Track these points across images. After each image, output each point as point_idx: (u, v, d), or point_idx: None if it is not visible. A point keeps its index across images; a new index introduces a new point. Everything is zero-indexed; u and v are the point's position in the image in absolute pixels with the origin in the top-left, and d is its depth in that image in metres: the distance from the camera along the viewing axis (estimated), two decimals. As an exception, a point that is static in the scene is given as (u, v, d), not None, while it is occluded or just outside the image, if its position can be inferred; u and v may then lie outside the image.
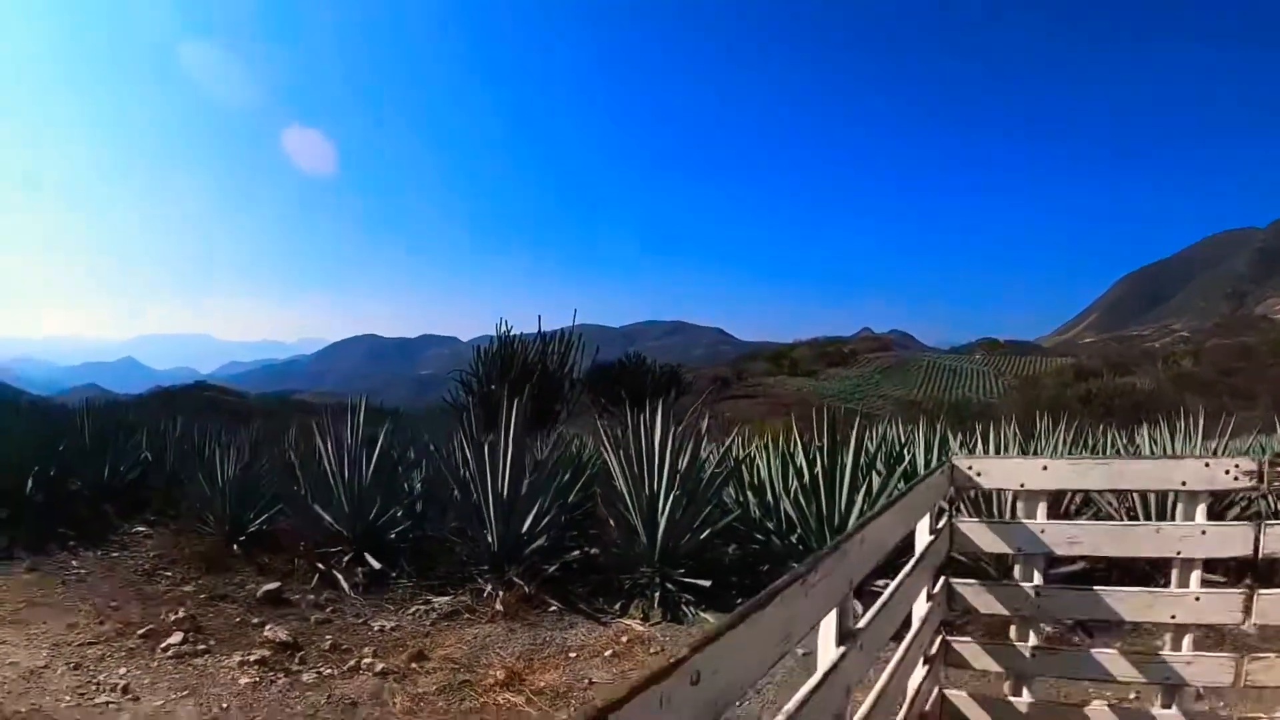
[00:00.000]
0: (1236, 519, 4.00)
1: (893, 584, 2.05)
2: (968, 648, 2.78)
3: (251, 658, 3.63)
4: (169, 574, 5.21)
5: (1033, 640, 2.71)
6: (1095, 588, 2.77)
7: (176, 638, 3.90)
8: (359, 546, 5.40)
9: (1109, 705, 2.78)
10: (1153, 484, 2.98)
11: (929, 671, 2.57)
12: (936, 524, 2.60)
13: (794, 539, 4.90)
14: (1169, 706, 2.60)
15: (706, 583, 4.51)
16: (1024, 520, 2.71)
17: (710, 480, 5.00)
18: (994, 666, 2.76)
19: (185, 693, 3.29)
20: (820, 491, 4.78)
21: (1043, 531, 2.67)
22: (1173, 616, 2.57)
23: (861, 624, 1.72)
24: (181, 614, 4.19)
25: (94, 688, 3.36)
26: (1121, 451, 6.45)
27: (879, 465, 5.34)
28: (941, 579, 2.72)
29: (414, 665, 3.54)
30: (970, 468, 2.77)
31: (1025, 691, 2.74)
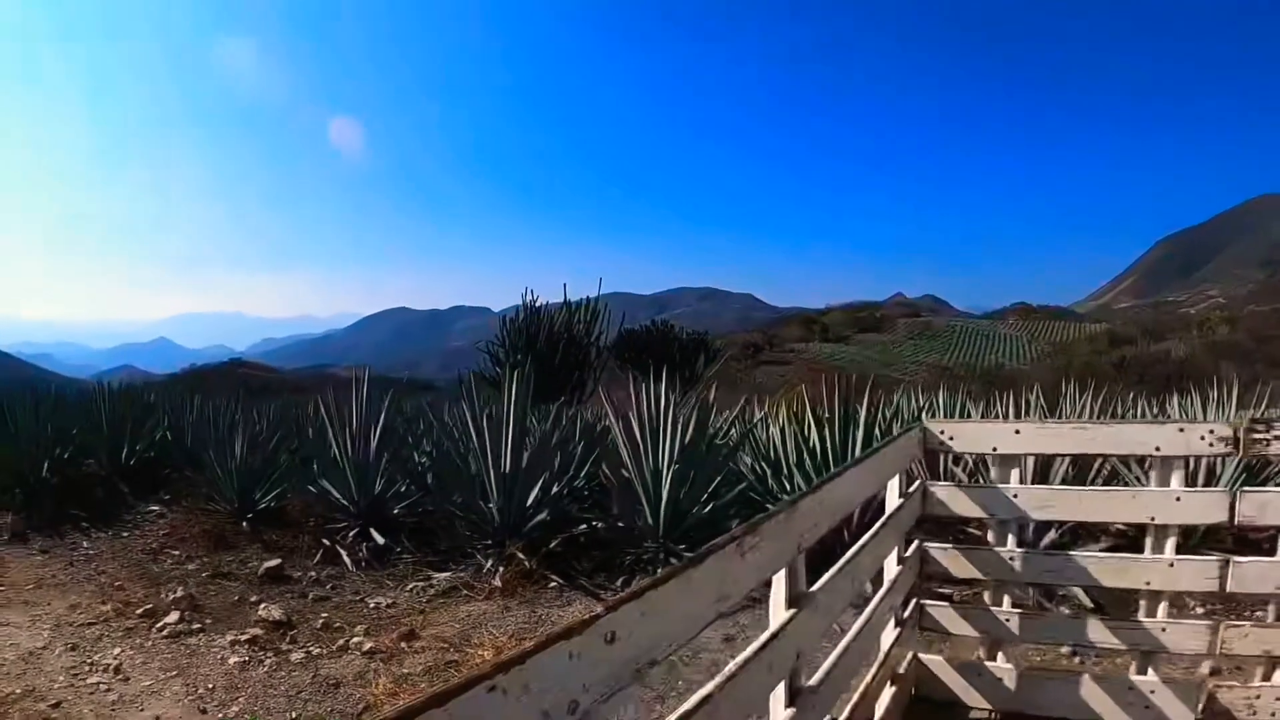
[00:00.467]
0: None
1: (854, 547, 2.05)
2: (942, 611, 2.83)
3: (243, 637, 3.69)
4: (175, 552, 5.33)
5: (1008, 604, 2.76)
6: (1069, 552, 2.80)
7: (173, 617, 3.99)
8: (364, 522, 5.47)
9: (1085, 671, 2.82)
10: (1127, 449, 2.97)
11: (900, 634, 2.60)
12: (907, 487, 2.63)
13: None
14: (1144, 672, 2.63)
15: (712, 558, 4.46)
16: (997, 484, 2.73)
17: (717, 451, 4.91)
18: (969, 631, 2.80)
19: (174, 673, 3.35)
20: (832, 462, 4.68)
21: (1015, 496, 2.70)
22: (1147, 583, 2.59)
23: (816, 587, 1.72)
24: (180, 593, 4.28)
25: (87, 668, 3.45)
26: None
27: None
28: (915, 542, 2.77)
29: (403, 645, 3.56)
30: (942, 431, 2.80)
31: (1000, 656, 2.78)
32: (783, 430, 5.52)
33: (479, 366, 16.30)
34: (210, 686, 3.21)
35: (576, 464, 5.58)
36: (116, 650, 3.63)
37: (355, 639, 3.64)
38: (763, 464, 5.38)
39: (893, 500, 2.56)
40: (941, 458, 4.82)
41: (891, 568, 2.51)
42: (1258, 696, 2.55)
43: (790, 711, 1.57)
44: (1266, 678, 2.57)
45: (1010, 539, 2.75)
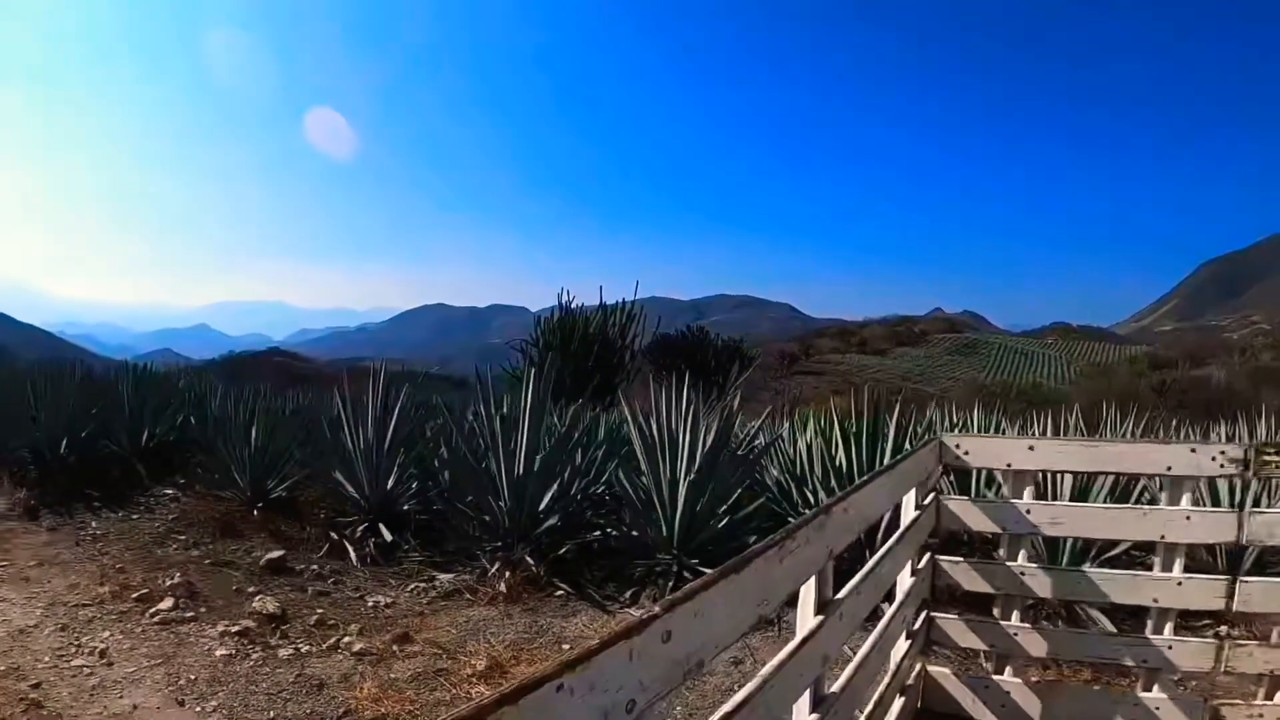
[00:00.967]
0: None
1: (875, 556, 2.10)
2: (952, 624, 2.89)
3: (234, 629, 3.64)
4: (182, 537, 5.35)
5: (1016, 619, 2.82)
6: (1079, 568, 2.96)
7: (167, 603, 3.97)
8: (374, 517, 5.44)
9: (1091, 685, 2.93)
10: (1139, 468, 3.03)
11: (911, 646, 2.65)
12: (923, 500, 2.69)
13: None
14: (1150, 689, 2.70)
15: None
16: (1011, 499, 2.81)
17: (738, 462, 4.76)
18: (978, 644, 2.87)
19: (159, 661, 3.31)
20: (856, 477, 4.48)
21: (1028, 511, 2.78)
22: (1155, 600, 2.67)
23: (842, 594, 1.77)
24: (178, 579, 4.27)
25: (74, 650, 3.43)
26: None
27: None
28: (927, 555, 2.83)
29: (395, 647, 3.47)
30: (958, 446, 2.88)
31: (1008, 670, 2.85)
32: (809, 443, 5.36)
33: (513, 365, 16.38)
34: (192, 678, 3.16)
35: (596, 468, 5.47)
36: (106, 634, 3.62)
37: (347, 638, 3.57)
38: (787, 477, 5.22)
39: (909, 512, 2.60)
40: (974, 474, 4.77)
41: (905, 580, 2.55)
42: (1260, 715, 2.61)
43: (814, 717, 1.61)
44: (1270, 696, 2.63)
45: (1022, 554, 2.82)
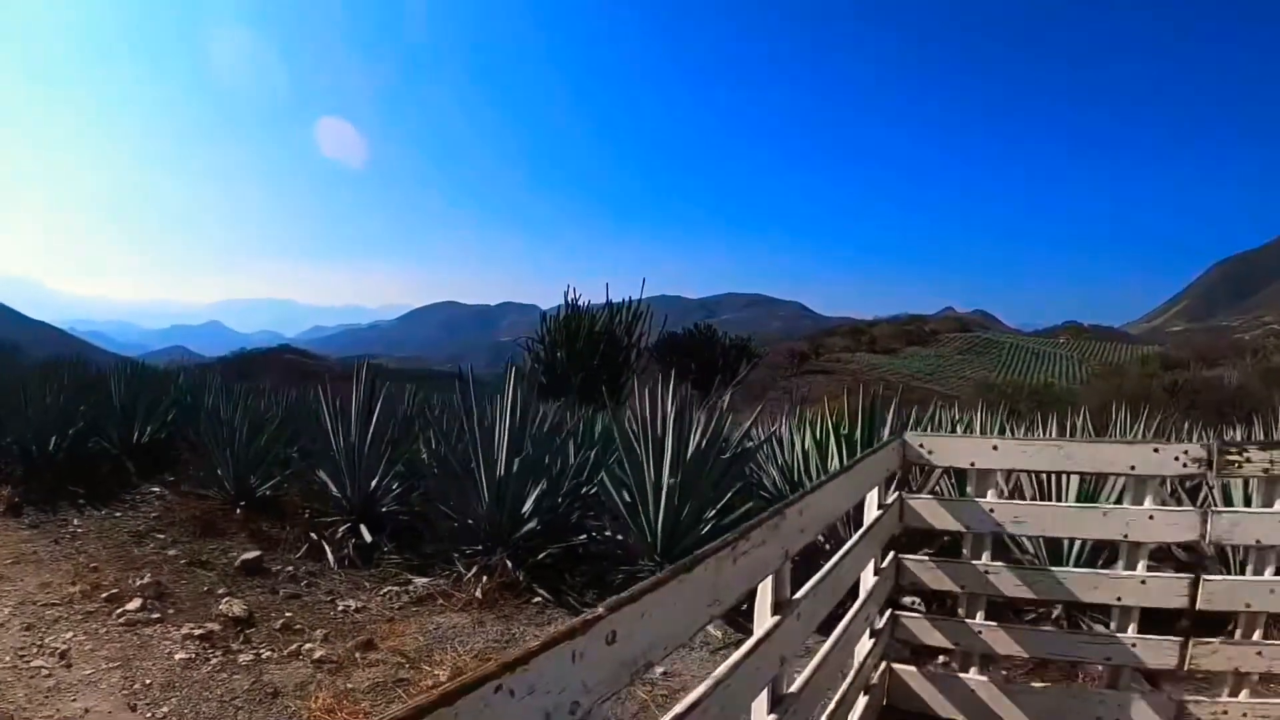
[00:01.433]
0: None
1: (836, 555, 2.14)
2: (917, 622, 2.95)
3: (197, 632, 3.63)
4: (161, 536, 5.37)
5: (980, 617, 2.88)
6: (1044, 567, 3.02)
7: (135, 604, 3.96)
8: (356, 518, 5.43)
9: (1056, 684, 2.95)
10: (1103, 467, 3.06)
11: (875, 645, 2.70)
12: (885, 499, 2.76)
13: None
14: (1114, 686, 2.77)
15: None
16: (974, 498, 2.86)
17: (727, 464, 4.69)
18: (943, 642, 2.93)
19: (117, 664, 3.31)
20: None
21: (992, 510, 2.83)
22: (1119, 599, 2.72)
23: (799, 594, 1.80)
24: (147, 579, 4.27)
25: (35, 650, 3.43)
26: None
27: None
28: (891, 553, 2.88)
29: (357, 655, 3.44)
30: (921, 445, 2.93)
31: (973, 668, 2.91)
32: (804, 444, 5.31)
33: (520, 362, 16.40)
34: (148, 682, 3.15)
35: (590, 469, 5.42)
36: (69, 635, 3.62)
37: (309, 645, 3.54)
38: (783, 479, 5.17)
39: (871, 511, 2.65)
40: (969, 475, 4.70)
41: (868, 578, 2.59)
42: (1225, 712, 2.67)
43: (772, 717, 1.63)
44: (1234, 693, 2.69)
45: (985, 552, 2.87)
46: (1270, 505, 2.68)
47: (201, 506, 5.93)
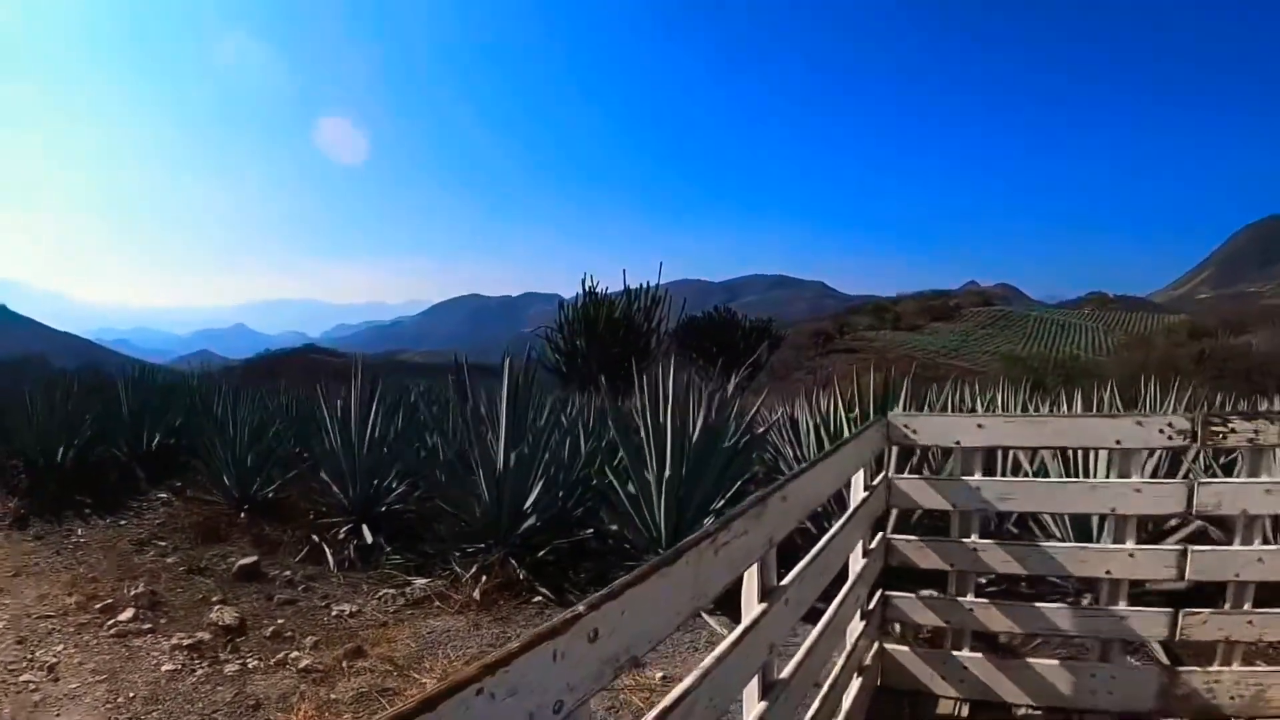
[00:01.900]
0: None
1: (822, 540, 2.16)
2: (908, 602, 2.99)
3: (187, 641, 3.62)
4: (163, 543, 5.40)
5: (972, 594, 2.93)
6: (1031, 542, 3.07)
7: (127, 614, 3.97)
8: (357, 518, 5.42)
9: (1050, 658, 2.97)
10: (1087, 442, 3.13)
11: (867, 626, 2.73)
12: (872, 480, 2.78)
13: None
14: (1107, 659, 2.81)
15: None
16: (961, 476, 2.90)
17: (722, 453, 4.59)
18: (935, 620, 2.97)
19: (104, 677, 3.31)
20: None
21: (978, 488, 2.87)
22: (1108, 572, 2.76)
23: (786, 580, 1.82)
24: (141, 589, 4.28)
25: (25, 664, 3.44)
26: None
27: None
28: (879, 534, 2.93)
29: (345, 663, 3.41)
30: (906, 425, 2.97)
31: (966, 645, 2.95)
32: (817, 427, 5.20)
33: (538, 353, 16.45)
34: (132, 695, 3.14)
35: (600, 460, 5.34)
36: (60, 647, 3.63)
37: (296, 653, 3.52)
38: (797, 462, 5.07)
39: (858, 493, 2.68)
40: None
41: (857, 560, 2.62)
42: (1217, 681, 2.71)
43: (764, 704, 1.65)
44: (1226, 662, 2.73)
45: (973, 529, 2.91)
46: (1256, 475, 2.75)
47: (205, 512, 5.97)
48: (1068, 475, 4.34)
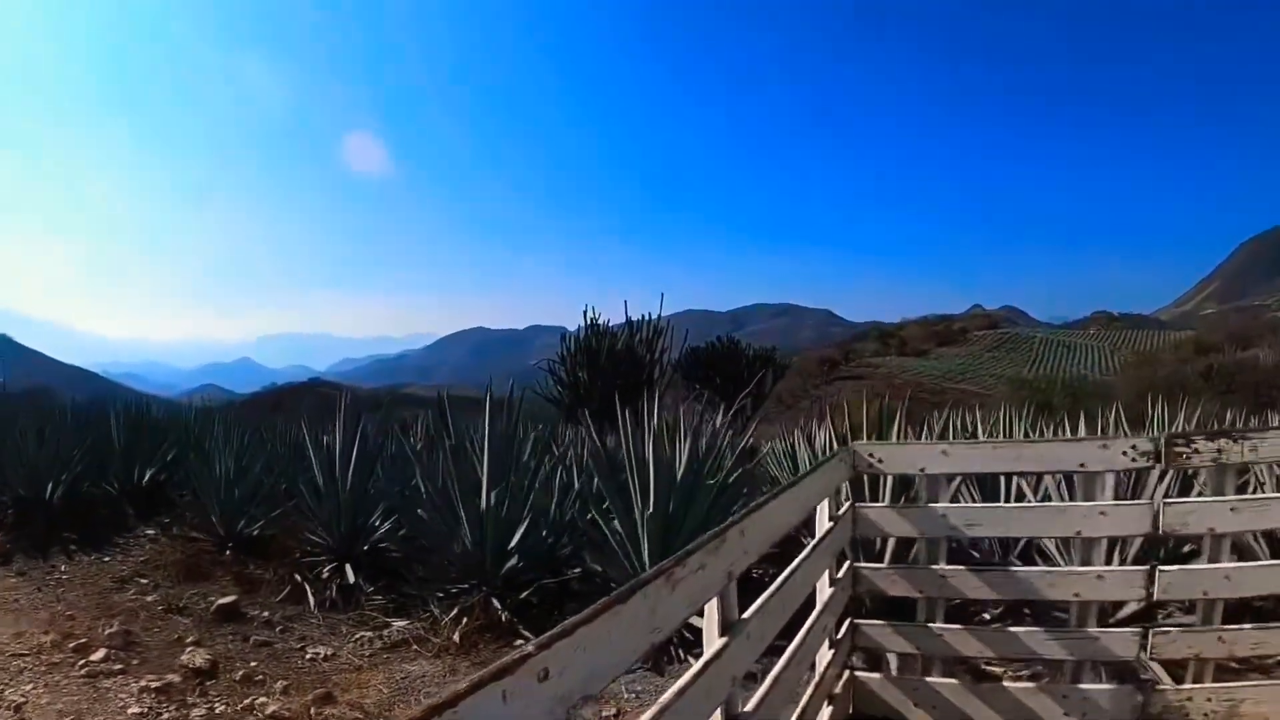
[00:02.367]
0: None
1: (785, 571, 2.20)
2: (877, 630, 3.03)
3: (156, 684, 3.62)
4: (145, 581, 5.41)
5: (940, 620, 2.98)
6: (998, 567, 3.18)
7: (99, 654, 3.98)
8: (341, 557, 5.42)
9: (1022, 681, 3.07)
10: (1052, 465, 3.20)
11: (836, 654, 2.78)
12: (837, 509, 2.83)
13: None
14: (1079, 680, 2.87)
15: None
16: (927, 503, 2.97)
17: (706, 490, 4.59)
18: (906, 647, 3.01)
19: (69, 718, 3.32)
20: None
21: (944, 514, 2.94)
22: (1076, 594, 2.83)
23: (748, 614, 1.85)
24: (115, 628, 4.29)
25: (-10, 705, 3.48)
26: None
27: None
28: (846, 563, 2.98)
29: (313, 709, 3.40)
30: (871, 454, 3.04)
31: (937, 670, 3.01)
32: (806, 454, 5.21)
33: (545, 386, 16.61)
34: (93, 739, 3.15)
35: (593, 497, 5.33)
36: (29, 686, 3.64)
37: (263, 699, 3.50)
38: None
39: (823, 523, 2.72)
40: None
41: (824, 589, 2.67)
42: (1189, 699, 2.77)
43: None
44: (1198, 679, 2.79)
45: (940, 556, 2.98)
46: (1221, 493, 2.81)
47: (190, 549, 5.98)
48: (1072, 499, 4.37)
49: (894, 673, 3.10)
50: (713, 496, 4.63)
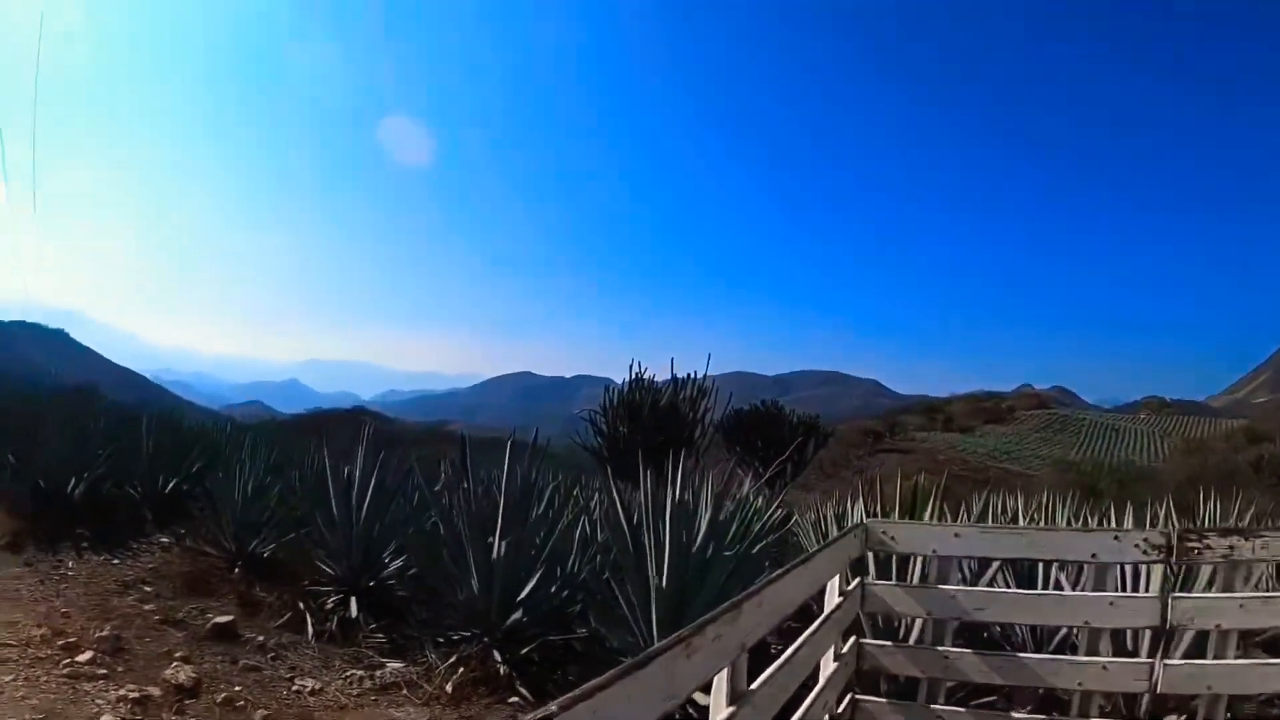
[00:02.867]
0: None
1: (794, 644, 2.29)
2: (878, 707, 3.10)
3: (134, 694, 3.60)
4: (148, 588, 5.45)
5: (942, 701, 3.04)
6: (1004, 652, 3.18)
7: (85, 656, 3.98)
8: (347, 590, 5.40)
9: None
10: (1064, 555, 3.23)
11: None
12: (846, 585, 2.93)
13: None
14: None
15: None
16: (936, 585, 3.04)
17: (723, 562, 4.46)
18: None
19: (40, 716, 3.30)
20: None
21: (953, 597, 3.01)
22: (1079, 684, 2.90)
23: (755, 685, 1.93)
24: (106, 632, 4.30)
25: (-31, 693, 3.50)
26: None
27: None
28: (852, 639, 3.04)
29: (287, 742, 3.35)
30: (884, 532, 3.14)
31: None
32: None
33: (581, 437, 16.76)
34: (64, 742, 3.14)
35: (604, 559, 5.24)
36: (8, 677, 3.65)
37: (243, 727, 3.47)
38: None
39: (832, 598, 2.80)
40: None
41: (828, 664, 2.71)
42: None
43: None
44: None
45: (946, 637, 3.04)
46: (1231, 588, 2.88)
47: (199, 563, 6.03)
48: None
49: None
50: (731, 568, 4.50)
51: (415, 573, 5.39)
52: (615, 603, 4.50)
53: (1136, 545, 2.89)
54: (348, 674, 4.29)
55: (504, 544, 4.67)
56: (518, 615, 4.58)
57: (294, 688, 4.07)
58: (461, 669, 4.31)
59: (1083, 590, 3.19)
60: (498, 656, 4.42)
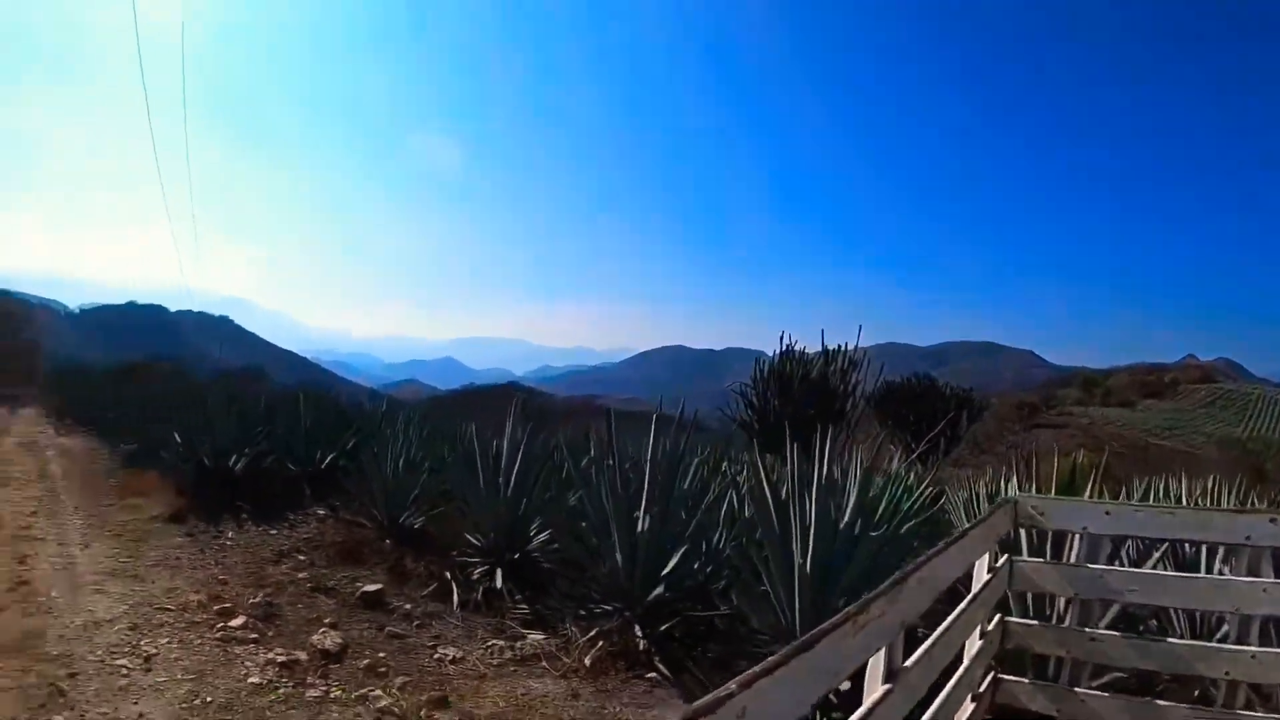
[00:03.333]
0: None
1: (945, 622, 2.30)
2: (1020, 687, 3.08)
3: (282, 658, 3.75)
4: (301, 558, 5.75)
5: (1084, 683, 3.01)
6: (1150, 637, 3.17)
7: (238, 621, 4.21)
8: (494, 561, 5.50)
9: None
10: (1216, 537, 3.16)
11: (976, 708, 2.80)
12: (995, 563, 2.92)
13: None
14: None
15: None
16: (1085, 563, 3.01)
17: (870, 543, 4.14)
18: (1047, 707, 3.04)
19: (192, 676, 3.48)
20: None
21: (1101, 577, 2.97)
22: (1226, 673, 2.83)
23: (910, 662, 1.94)
24: (260, 598, 4.54)
25: (127, 650, 3.70)
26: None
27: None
28: (997, 616, 3.03)
29: (424, 711, 3.36)
30: (1034, 507, 3.13)
31: None
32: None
33: (732, 410, 16.76)
34: (209, 700, 3.27)
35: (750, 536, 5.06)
36: (165, 640, 3.89)
37: (379, 691, 3.52)
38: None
39: (981, 575, 2.78)
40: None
41: (973, 643, 2.69)
42: None
43: None
44: None
45: (1092, 618, 3.04)
46: None
47: (352, 534, 6.33)
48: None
49: None
50: (877, 548, 4.19)
51: (560, 545, 5.41)
52: (758, 580, 4.30)
53: None
54: (489, 644, 4.33)
55: (648, 518, 4.56)
56: (660, 590, 4.47)
57: (435, 656, 4.14)
58: (601, 642, 4.24)
59: (1235, 575, 3.09)
60: (638, 631, 4.34)
